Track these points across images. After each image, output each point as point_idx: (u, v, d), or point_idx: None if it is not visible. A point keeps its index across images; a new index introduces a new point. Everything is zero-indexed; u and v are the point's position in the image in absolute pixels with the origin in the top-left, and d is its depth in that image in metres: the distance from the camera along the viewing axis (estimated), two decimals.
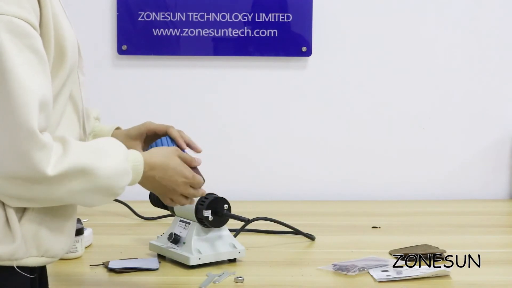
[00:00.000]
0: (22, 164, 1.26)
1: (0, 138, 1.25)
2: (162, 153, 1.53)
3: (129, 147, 1.45)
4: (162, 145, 1.66)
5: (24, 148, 1.25)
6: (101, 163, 1.35)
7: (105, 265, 1.81)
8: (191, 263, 1.79)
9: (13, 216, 1.31)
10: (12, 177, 1.27)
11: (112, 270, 1.78)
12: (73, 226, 1.43)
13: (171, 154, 1.54)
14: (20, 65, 1.24)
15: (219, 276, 1.73)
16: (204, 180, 1.59)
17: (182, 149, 1.65)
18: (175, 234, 1.84)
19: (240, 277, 1.71)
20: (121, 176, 1.38)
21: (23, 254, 1.32)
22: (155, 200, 1.88)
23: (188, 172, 1.55)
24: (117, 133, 1.71)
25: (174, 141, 1.68)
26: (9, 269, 1.32)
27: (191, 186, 1.56)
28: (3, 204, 1.31)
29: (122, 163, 1.39)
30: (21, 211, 1.33)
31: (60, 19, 1.35)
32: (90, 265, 1.82)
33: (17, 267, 1.32)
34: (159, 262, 1.83)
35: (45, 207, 1.35)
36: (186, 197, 1.57)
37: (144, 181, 1.47)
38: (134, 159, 1.44)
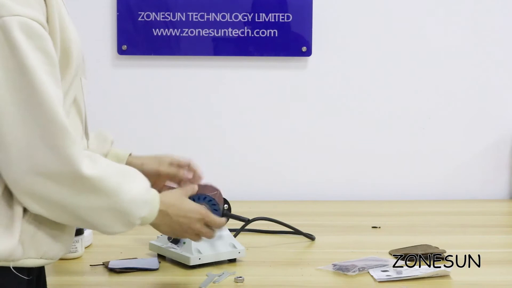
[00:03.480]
0: (55, 158, 1.27)
1: (30, 134, 1.26)
2: (175, 193, 1.57)
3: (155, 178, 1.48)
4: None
5: (57, 142, 1.27)
6: (126, 186, 1.37)
7: (105, 265, 1.81)
8: (191, 263, 1.79)
9: (17, 216, 1.31)
10: (44, 173, 1.28)
11: (112, 270, 1.78)
12: (72, 229, 1.43)
13: (182, 194, 1.58)
14: (38, 65, 1.26)
15: (219, 276, 1.73)
16: (226, 220, 1.65)
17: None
18: None
19: (240, 277, 1.71)
20: (141, 204, 1.41)
21: (21, 255, 1.32)
22: None
23: (203, 209, 1.57)
24: (131, 163, 1.71)
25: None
26: (5, 270, 1.32)
27: (206, 225, 1.58)
28: (11, 203, 1.31)
29: (144, 192, 1.42)
30: (24, 212, 1.32)
31: (66, 22, 1.36)
32: (90, 265, 1.82)
33: (14, 268, 1.31)
34: (159, 262, 1.83)
35: None
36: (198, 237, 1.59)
37: (160, 218, 1.48)
38: (153, 194, 1.47)
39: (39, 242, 1.34)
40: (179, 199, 1.55)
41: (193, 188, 1.64)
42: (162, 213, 1.48)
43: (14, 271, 1.32)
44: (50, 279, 1.55)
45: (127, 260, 1.84)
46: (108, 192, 1.34)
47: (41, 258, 1.35)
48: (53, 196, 1.31)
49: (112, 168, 1.39)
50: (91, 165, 1.32)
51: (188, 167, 1.75)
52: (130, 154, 1.74)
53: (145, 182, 1.44)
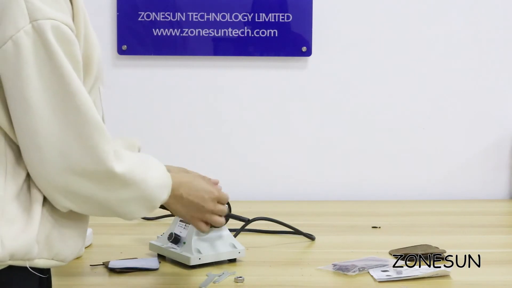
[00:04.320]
0: (91, 158, 1.31)
1: (66, 135, 1.29)
2: (186, 174, 1.59)
3: None
4: None
5: (93, 142, 1.31)
6: (149, 173, 1.42)
7: (105, 265, 1.81)
8: (191, 263, 1.79)
9: (36, 214, 1.31)
10: (78, 172, 1.31)
11: (112, 270, 1.78)
12: (84, 231, 1.44)
13: (196, 175, 1.61)
14: (71, 69, 1.29)
15: (219, 276, 1.73)
16: (226, 220, 1.69)
17: None
18: (175, 234, 1.84)
19: (240, 277, 1.71)
20: (163, 187, 1.46)
21: (36, 255, 1.32)
22: None
23: (214, 188, 1.61)
24: None
25: None
26: (16, 269, 1.32)
27: (218, 202, 1.62)
28: (31, 201, 1.32)
29: (165, 177, 1.47)
30: (42, 211, 1.33)
31: (89, 28, 1.38)
32: (90, 265, 1.82)
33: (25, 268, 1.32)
34: (159, 262, 1.83)
35: (57, 211, 1.35)
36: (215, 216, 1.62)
37: (173, 200, 1.52)
38: (169, 176, 1.50)
39: (52, 242, 1.34)
40: (191, 178, 1.59)
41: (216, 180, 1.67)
42: (175, 195, 1.52)
43: (31, 270, 1.32)
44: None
45: (127, 260, 1.84)
46: (136, 183, 1.39)
47: (52, 259, 1.35)
48: (85, 192, 1.34)
49: (135, 159, 1.42)
50: (119, 161, 1.36)
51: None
52: None
53: (162, 167, 1.48)
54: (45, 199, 1.34)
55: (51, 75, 1.27)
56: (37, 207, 1.32)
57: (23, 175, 1.32)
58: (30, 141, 1.29)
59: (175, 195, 1.52)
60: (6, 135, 1.32)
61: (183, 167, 1.67)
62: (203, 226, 1.63)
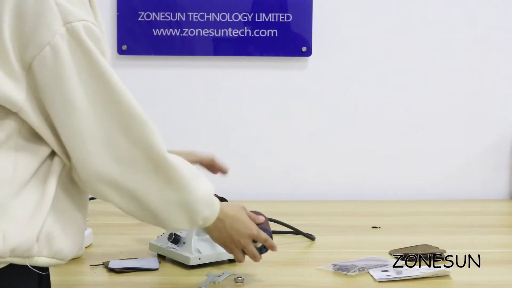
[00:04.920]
0: (137, 147, 1.35)
1: (111, 127, 1.33)
2: (233, 206, 1.63)
3: None
4: None
5: (139, 132, 1.35)
6: (196, 183, 1.45)
7: (105, 265, 1.81)
8: (191, 263, 1.79)
9: (44, 208, 1.32)
10: (125, 162, 1.35)
11: (112, 270, 1.78)
12: (83, 230, 1.44)
13: (241, 209, 1.65)
14: (108, 65, 1.33)
15: (219, 276, 1.73)
16: (271, 237, 1.71)
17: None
18: (175, 234, 1.84)
19: (240, 277, 1.71)
20: (206, 205, 1.49)
21: (36, 252, 1.32)
22: None
23: (255, 228, 1.65)
24: None
25: None
26: (17, 270, 1.32)
27: (253, 241, 1.65)
28: (40, 194, 1.32)
29: (211, 194, 1.50)
30: (49, 209, 1.33)
31: (103, 29, 1.41)
32: (90, 265, 1.82)
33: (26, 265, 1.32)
34: (159, 262, 1.83)
35: (60, 209, 1.36)
36: (244, 254, 1.66)
37: (215, 225, 1.56)
38: (215, 198, 1.54)
39: (53, 240, 1.34)
40: (238, 213, 1.63)
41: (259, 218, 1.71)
42: (219, 220, 1.55)
43: (32, 268, 1.32)
44: (50, 279, 1.55)
45: (127, 260, 1.84)
46: (181, 186, 1.41)
47: (53, 257, 1.35)
48: (132, 185, 1.37)
49: (185, 163, 1.46)
50: (170, 155, 1.40)
51: (212, 163, 1.83)
52: None
53: (210, 185, 1.51)
54: (53, 196, 1.34)
55: (90, 74, 1.31)
56: (46, 204, 1.33)
57: (32, 171, 1.33)
58: (76, 139, 1.33)
59: (219, 224, 1.56)
60: (19, 133, 1.33)
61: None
62: (239, 255, 1.66)
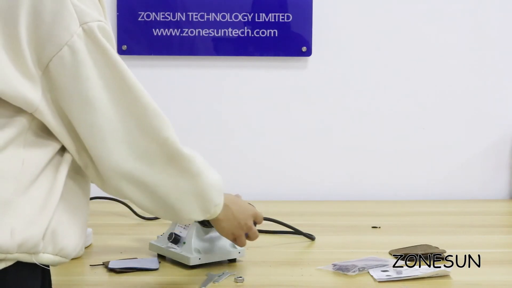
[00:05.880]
0: (155, 141, 1.40)
1: (129, 125, 1.37)
2: (227, 194, 1.65)
3: None
4: None
5: (156, 128, 1.40)
6: (207, 171, 1.51)
7: (105, 265, 1.81)
8: (191, 263, 1.79)
9: (52, 204, 1.33)
10: (143, 156, 1.40)
11: (112, 270, 1.78)
12: (85, 228, 1.45)
13: (233, 195, 1.72)
14: (124, 64, 1.37)
15: (219, 276, 1.73)
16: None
17: None
18: (175, 234, 1.84)
19: (240, 277, 1.71)
20: (218, 191, 1.55)
21: (41, 248, 1.33)
22: None
23: (252, 207, 1.76)
24: None
25: None
26: (22, 267, 1.32)
27: (254, 220, 1.75)
28: (48, 195, 1.33)
29: (220, 180, 1.56)
30: (56, 206, 1.34)
31: (111, 29, 1.43)
32: (90, 265, 1.82)
33: (30, 262, 1.33)
34: (159, 262, 1.83)
35: (66, 206, 1.36)
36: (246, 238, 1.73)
37: (224, 214, 1.61)
38: (222, 184, 1.59)
39: (58, 237, 1.35)
40: (234, 197, 1.71)
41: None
42: (226, 207, 1.60)
43: (38, 263, 1.33)
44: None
45: (127, 260, 1.84)
46: (194, 174, 1.47)
47: (57, 255, 1.36)
48: (150, 179, 1.42)
49: (196, 153, 1.52)
50: (183, 146, 1.46)
51: None
52: None
53: (219, 174, 1.57)
54: (61, 193, 1.35)
55: (109, 73, 1.34)
56: (54, 200, 1.34)
57: (40, 167, 1.33)
58: (95, 137, 1.35)
59: (226, 211, 1.62)
60: (29, 130, 1.33)
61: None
62: (241, 241, 1.72)
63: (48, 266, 1.38)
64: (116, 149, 1.37)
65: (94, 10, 1.34)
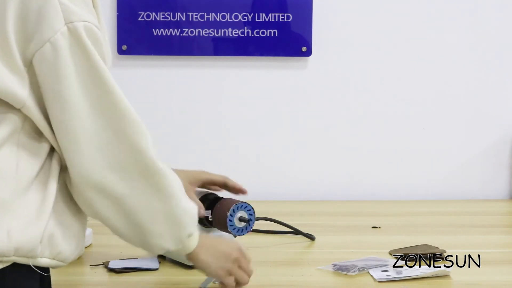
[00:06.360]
0: (129, 151, 1.35)
1: (105, 131, 1.33)
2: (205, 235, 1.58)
3: (186, 190, 1.52)
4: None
5: (132, 137, 1.35)
6: (184, 196, 1.43)
7: (105, 265, 1.81)
8: (191, 263, 1.79)
9: (48, 208, 1.32)
10: (116, 166, 1.34)
11: (112, 270, 1.78)
12: (84, 233, 1.44)
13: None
14: (106, 68, 1.33)
15: None
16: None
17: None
18: None
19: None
20: (191, 218, 1.45)
21: (39, 253, 1.32)
22: None
23: (237, 245, 1.58)
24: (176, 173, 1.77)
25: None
26: (19, 269, 1.32)
27: (239, 267, 1.58)
28: (44, 194, 1.32)
29: (195, 210, 1.47)
30: (52, 209, 1.33)
31: (105, 31, 1.42)
32: (90, 265, 1.82)
33: (29, 266, 1.32)
34: (159, 262, 1.83)
35: (62, 210, 1.36)
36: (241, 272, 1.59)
37: (200, 249, 1.50)
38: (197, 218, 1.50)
39: (56, 241, 1.34)
40: (212, 238, 1.60)
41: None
42: (203, 237, 1.52)
43: (35, 268, 1.32)
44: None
45: (127, 260, 1.84)
46: (169, 195, 1.40)
47: (53, 259, 1.35)
48: (120, 191, 1.36)
49: (175, 174, 1.43)
50: (161, 162, 1.39)
51: (224, 184, 1.83)
52: None
53: (193, 205, 1.48)
54: (56, 195, 1.35)
55: (88, 75, 1.31)
56: (49, 202, 1.33)
57: (36, 168, 1.33)
58: (69, 140, 1.33)
59: (202, 243, 1.51)
60: (22, 129, 1.33)
61: None
62: (231, 281, 1.57)
63: (46, 271, 1.38)
64: (88, 156, 1.32)
65: (83, 10, 1.32)
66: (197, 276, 1.74)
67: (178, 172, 1.77)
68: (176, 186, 1.42)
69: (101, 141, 1.33)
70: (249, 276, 1.60)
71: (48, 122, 1.33)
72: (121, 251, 1.92)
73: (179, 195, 1.42)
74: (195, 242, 1.49)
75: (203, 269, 1.56)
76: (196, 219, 1.47)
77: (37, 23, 1.29)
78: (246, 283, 1.60)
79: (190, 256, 1.52)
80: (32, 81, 1.31)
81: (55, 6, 1.29)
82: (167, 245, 1.44)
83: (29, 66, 1.31)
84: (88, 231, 1.98)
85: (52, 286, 1.48)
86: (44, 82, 1.31)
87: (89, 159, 1.33)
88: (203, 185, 1.83)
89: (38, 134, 1.35)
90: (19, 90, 1.30)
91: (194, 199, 1.78)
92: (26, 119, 1.33)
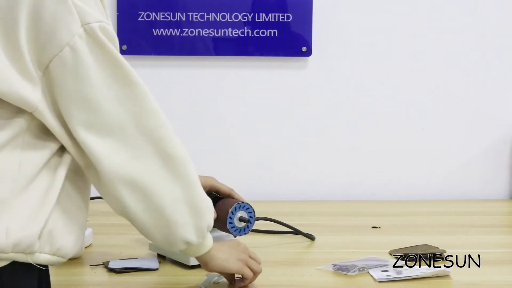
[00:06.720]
0: (153, 141, 1.38)
1: (131, 123, 1.36)
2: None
3: None
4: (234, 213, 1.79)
5: (155, 127, 1.38)
6: (200, 186, 1.47)
7: (105, 265, 1.81)
8: (191, 263, 1.79)
9: (49, 204, 1.32)
10: (139, 157, 1.37)
11: (112, 270, 1.78)
12: (84, 228, 1.44)
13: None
14: (127, 63, 1.36)
15: (219, 276, 1.73)
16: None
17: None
18: None
19: (239, 277, 1.71)
20: (209, 210, 1.48)
21: (38, 248, 1.32)
22: None
23: (244, 247, 1.66)
24: None
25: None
26: (18, 267, 1.32)
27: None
28: (46, 189, 1.33)
29: (211, 202, 1.51)
30: (53, 207, 1.34)
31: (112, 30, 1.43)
32: (90, 265, 1.82)
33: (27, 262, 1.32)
34: (159, 262, 1.83)
35: (64, 207, 1.36)
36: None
37: (215, 249, 1.56)
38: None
39: (56, 237, 1.34)
40: (223, 242, 1.64)
41: None
42: (213, 247, 1.56)
43: (34, 264, 1.33)
44: (50, 279, 1.55)
45: (127, 260, 1.84)
46: (188, 181, 1.43)
47: (54, 254, 1.35)
48: (145, 181, 1.38)
49: (192, 163, 1.47)
50: (183, 147, 1.44)
51: (229, 196, 1.84)
52: None
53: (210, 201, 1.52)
54: (59, 193, 1.35)
55: (112, 73, 1.33)
56: (51, 200, 1.33)
57: (38, 168, 1.33)
58: (98, 137, 1.35)
59: (213, 247, 1.56)
60: (27, 131, 1.33)
61: None
62: (249, 271, 1.64)
63: (45, 266, 1.38)
64: (114, 151, 1.35)
65: (96, 11, 1.33)
66: (197, 276, 1.74)
67: None
68: (196, 176, 1.46)
69: (127, 136, 1.36)
70: (259, 263, 1.66)
71: (61, 123, 1.34)
72: (121, 251, 1.93)
73: (198, 184, 1.46)
74: (211, 240, 1.54)
75: (220, 267, 1.59)
76: (213, 212, 1.51)
77: (52, 27, 1.29)
78: (260, 270, 1.66)
79: (206, 256, 1.55)
80: (45, 85, 1.32)
81: (70, 9, 1.29)
82: (191, 237, 1.46)
83: (45, 70, 1.31)
84: (88, 231, 1.98)
85: (51, 286, 1.48)
86: (66, 86, 1.32)
87: (116, 153, 1.35)
88: (209, 191, 1.84)
89: (43, 133, 1.35)
90: (31, 95, 1.30)
91: None
92: (33, 120, 1.33)
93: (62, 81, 1.31)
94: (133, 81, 1.36)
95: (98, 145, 1.35)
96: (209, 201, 1.49)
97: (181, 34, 2.66)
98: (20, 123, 1.32)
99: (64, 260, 1.38)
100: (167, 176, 1.41)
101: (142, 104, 1.37)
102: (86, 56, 1.31)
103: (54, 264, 1.38)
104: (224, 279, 1.71)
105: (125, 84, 1.35)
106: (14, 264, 1.31)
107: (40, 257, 1.34)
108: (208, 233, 1.52)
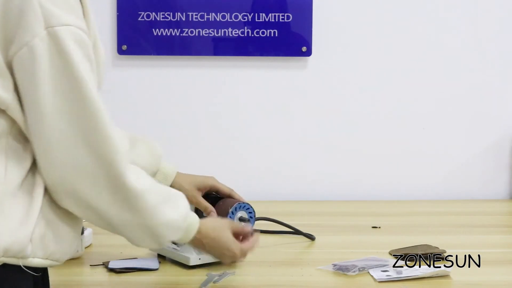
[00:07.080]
0: (99, 164, 1.31)
1: (77, 141, 1.30)
2: (216, 225, 1.58)
3: (191, 195, 1.48)
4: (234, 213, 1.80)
5: (104, 150, 1.31)
6: (161, 208, 1.40)
7: (105, 265, 1.81)
8: (191, 263, 1.79)
9: (35, 210, 1.32)
10: (87, 177, 1.31)
11: (112, 270, 1.78)
12: (79, 232, 1.44)
13: (225, 228, 1.60)
14: (87, 75, 1.29)
15: (219, 276, 1.73)
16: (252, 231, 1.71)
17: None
18: None
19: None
20: (174, 230, 1.45)
21: (29, 253, 1.32)
22: None
23: (236, 248, 1.60)
24: (184, 179, 1.80)
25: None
26: (12, 269, 1.32)
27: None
28: (30, 197, 1.32)
29: (181, 220, 1.46)
30: (40, 209, 1.33)
31: (96, 31, 1.39)
32: (90, 265, 1.82)
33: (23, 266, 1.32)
34: (159, 262, 1.83)
35: (54, 210, 1.35)
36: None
37: (193, 243, 1.54)
38: (191, 223, 1.50)
39: (48, 242, 1.34)
40: (219, 233, 1.58)
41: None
42: (196, 240, 1.53)
43: (25, 268, 1.32)
44: (50, 279, 1.55)
45: (127, 260, 1.84)
46: (141, 211, 1.38)
47: (47, 259, 1.35)
48: (92, 201, 1.34)
49: (155, 187, 1.41)
50: (135, 177, 1.35)
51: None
52: (176, 173, 1.80)
53: (184, 209, 1.48)
54: (44, 197, 1.34)
55: (64, 82, 1.28)
56: (36, 204, 1.32)
57: (23, 172, 1.33)
58: (42, 145, 1.30)
59: (196, 239, 1.53)
60: (9, 133, 1.32)
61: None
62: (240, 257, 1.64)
63: (40, 270, 1.37)
64: (59, 162, 1.30)
65: (68, 13, 1.28)
66: (197, 276, 1.74)
67: (186, 177, 1.80)
68: (152, 201, 1.39)
69: (72, 150, 1.30)
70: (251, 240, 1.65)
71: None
72: (121, 251, 1.93)
73: (155, 211, 1.39)
74: (185, 242, 1.52)
75: (215, 248, 1.58)
76: (179, 228, 1.46)
77: (17, 25, 1.26)
78: (254, 244, 1.64)
79: (197, 242, 1.54)
80: (14, 83, 1.30)
81: (35, 9, 1.26)
82: (147, 245, 1.48)
83: (10, 68, 1.29)
84: (88, 231, 1.98)
85: (51, 286, 1.48)
86: (21, 86, 1.29)
87: (61, 167, 1.31)
88: (209, 191, 1.84)
89: (24, 138, 1.33)
90: (3, 91, 1.29)
91: (203, 203, 1.82)
92: (14, 123, 1.32)
93: (20, 81, 1.29)
94: (86, 96, 1.29)
95: (44, 155, 1.31)
96: (170, 220, 1.43)
97: (181, 34, 2.66)
98: (2, 124, 1.31)
99: (59, 263, 1.38)
100: (116, 203, 1.36)
101: (92, 120, 1.30)
102: (43, 60, 1.26)
103: (49, 267, 1.38)
104: (224, 279, 1.71)
105: (76, 98, 1.29)
106: (7, 265, 1.31)
107: (33, 262, 1.33)
108: (174, 240, 1.49)
